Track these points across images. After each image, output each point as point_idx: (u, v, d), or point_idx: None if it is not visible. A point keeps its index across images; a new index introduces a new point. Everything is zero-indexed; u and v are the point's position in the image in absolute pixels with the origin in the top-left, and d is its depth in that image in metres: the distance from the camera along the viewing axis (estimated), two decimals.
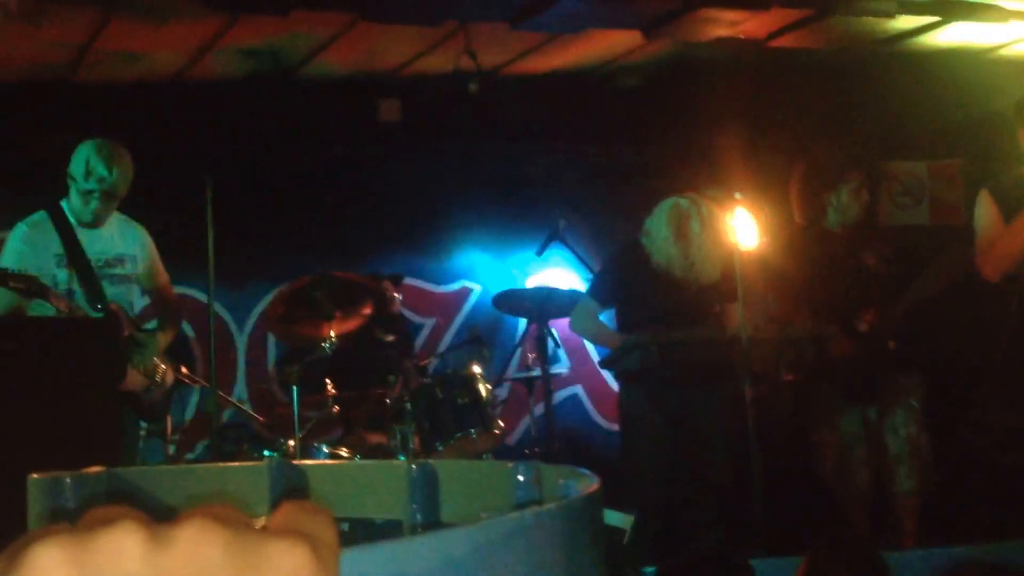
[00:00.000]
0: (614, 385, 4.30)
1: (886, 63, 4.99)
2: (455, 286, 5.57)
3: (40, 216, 3.63)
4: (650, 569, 3.13)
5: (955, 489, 4.08)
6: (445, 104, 5.08)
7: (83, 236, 3.62)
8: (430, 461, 0.71)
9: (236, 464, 0.78)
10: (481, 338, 4.49)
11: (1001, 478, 3.74)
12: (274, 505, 0.70)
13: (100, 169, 3.56)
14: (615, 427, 4.42)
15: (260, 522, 0.41)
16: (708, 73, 5.14)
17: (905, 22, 4.41)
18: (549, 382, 4.22)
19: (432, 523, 0.69)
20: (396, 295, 4.51)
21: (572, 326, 4.21)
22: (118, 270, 3.72)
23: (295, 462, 0.74)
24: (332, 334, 3.91)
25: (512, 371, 4.94)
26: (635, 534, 2.72)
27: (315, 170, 5.24)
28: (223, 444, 4.20)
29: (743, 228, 3.74)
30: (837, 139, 4.92)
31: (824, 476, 4.06)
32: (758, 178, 4.45)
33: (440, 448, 3.88)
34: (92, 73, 4.61)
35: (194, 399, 4.92)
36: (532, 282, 5.37)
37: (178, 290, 4.12)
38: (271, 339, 5.15)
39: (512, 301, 4.43)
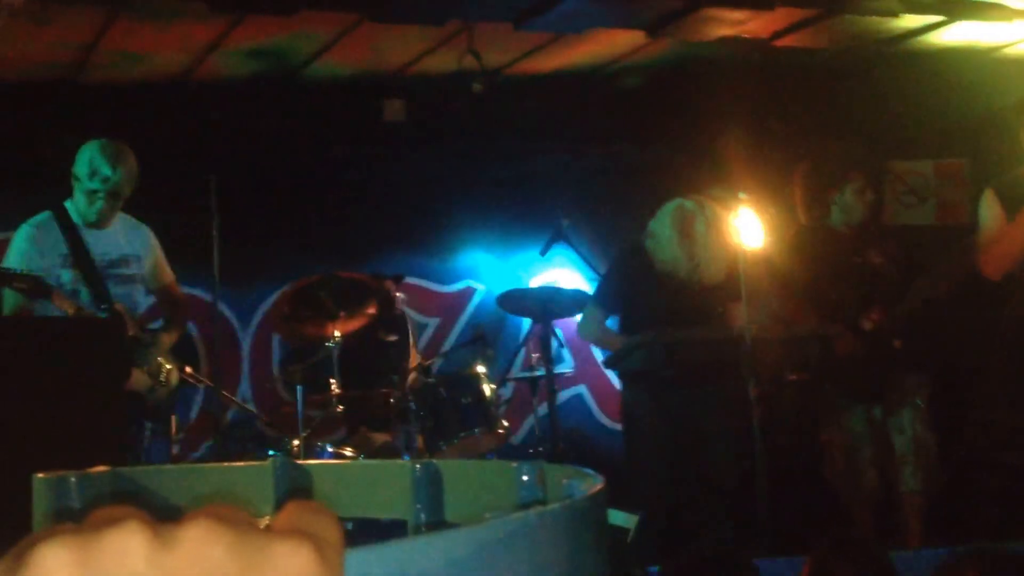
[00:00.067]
0: (618, 385, 4.30)
1: (891, 62, 4.98)
2: (459, 286, 5.58)
3: (45, 216, 3.63)
4: (654, 569, 3.13)
5: (961, 489, 4.07)
6: (449, 104, 5.08)
7: (88, 236, 3.63)
8: (434, 461, 0.71)
9: (240, 464, 0.78)
10: (485, 338, 4.49)
11: (1006, 477, 3.73)
12: (278, 505, 0.70)
13: (104, 169, 3.56)
14: (619, 427, 4.41)
15: (264, 522, 0.41)
16: (712, 73, 5.13)
17: (909, 21, 4.40)
18: (553, 382, 4.22)
19: (436, 523, 0.69)
20: (398, 295, 4.51)
21: (580, 334, 4.23)
22: (123, 270, 3.72)
23: (299, 462, 0.74)
24: (336, 334, 3.92)
25: (516, 371, 4.94)
26: (639, 534, 2.72)
27: (319, 170, 5.24)
28: (227, 444, 4.20)
29: (747, 228, 3.73)
30: (841, 139, 4.91)
31: (831, 476, 4.05)
32: (762, 178, 4.45)
33: (444, 447, 3.88)
34: (97, 73, 4.62)
35: (198, 399, 4.92)
36: (536, 282, 5.37)
37: (183, 290, 4.13)
38: (276, 339, 5.16)
39: (516, 301, 4.43)
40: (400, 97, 5.17)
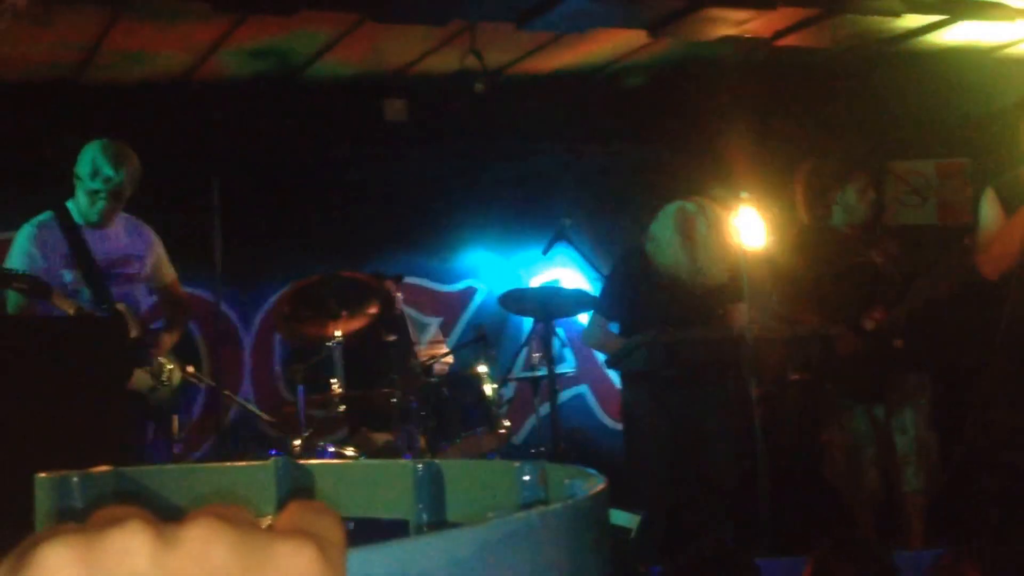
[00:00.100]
0: (620, 384, 4.30)
1: (892, 62, 4.98)
2: (460, 285, 5.58)
3: (46, 216, 3.64)
4: (656, 568, 3.13)
5: (962, 489, 4.07)
6: (451, 104, 5.08)
7: (89, 236, 3.63)
8: (436, 460, 0.71)
9: (242, 463, 0.78)
10: (487, 337, 4.49)
11: (1006, 477, 3.73)
12: (280, 505, 0.70)
13: (107, 169, 3.57)
14: (620, 427, 4.41)
15: (266, 521, 0.41)
16: (714, 73, 5.13)
17: (911, 21, 4.40)
18: (555, 381, 4.22)
19: (438, 523, 0.69)
20: (398, 295, 4.51)
21: (584, 342, 4.23)
22: (125, 270, 3.73)
23: (301, 461, 0.74)
24: (338, 333, 3.92)
25: (518, 370, 4.94)
26: (640, 534, 2.72)
27: (321, 170, 5.24)
28: (229, 443, 4.21)
29: (749, 228, 3.73)
30: (843, 138, 4.91)
31: (832, 476, 4.05)
32: (764, 177, 4.45)
33: (446, 447, 3.88)
34: (99, 73, 4.62)
35: (200, 398, 4.93)
36: (537, 281, 5.37)
37: (185, 290, 4.13)
38: (277, 338, 5.16)
39: (518, 301, 4.42)
40: (402, 97, 5.17)
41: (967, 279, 3.74)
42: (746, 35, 4.38)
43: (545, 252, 4.88)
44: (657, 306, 3.89)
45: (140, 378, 3.67)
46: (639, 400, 3.95)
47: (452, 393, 3.95)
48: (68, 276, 3.59)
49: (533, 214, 5.37)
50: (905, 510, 3.95)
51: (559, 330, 4.45)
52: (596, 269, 4.78)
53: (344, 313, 3.95)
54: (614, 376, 4.95)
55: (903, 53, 4.86)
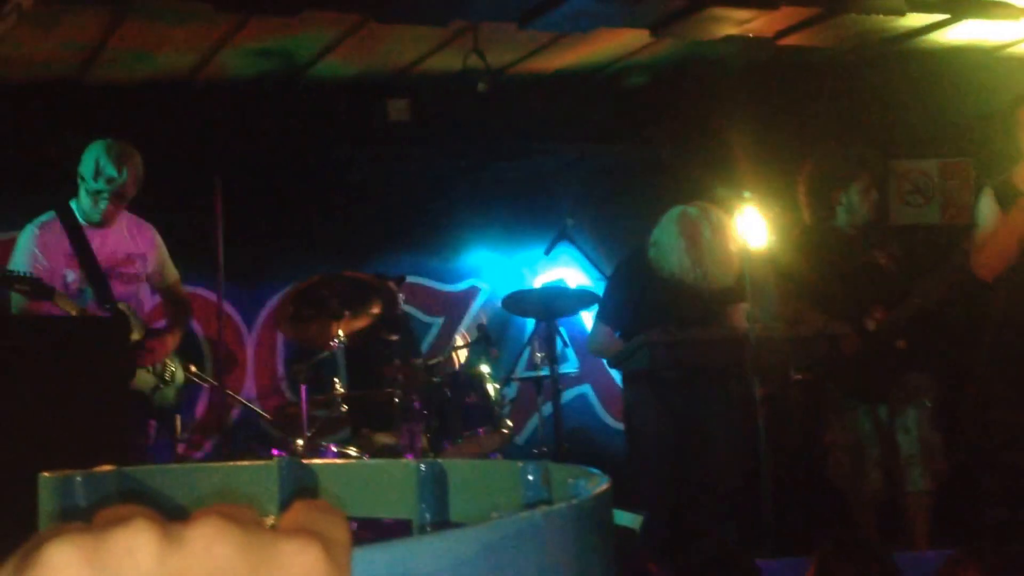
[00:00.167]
0: (621, 385, 4.29)
1: (896, 61, 4.97)
2: (463, 285, 5.58)
3: (49, 216, 3.64)
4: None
5: (964, 489, 4.06)
6: (454, 103, 5.08)
7: (92, 236, 3.64)
8: (439, 460, 0.71)
9: (246, 463, 0.78)
10: (489, 337, 4.49)
11: (1007, 477, 3.73)
12: (283, 504, 0.70)
13: (109, 169, 3.57)
14: (623, 427, 4.41)
15: (269, 521, 0.41)
16: (716, 72, 5.13)
17: (915, 20, 4.39)
18: (557, 381, 4.22)
19: (441, 522, 0.69)
20: (400, 295, 4.51)
21: (589, 350, 4.24)
22: (127, 269, 3.73)
23: (304, 461, 0.74)
24: (341, 333, 3.92)
25: (520, 370, 4.94)
26: (643, 534, 2.72)
27: (323, 169, 5.25)
28: (232, 443, 4.21)
29: (752, 227, 3.73)
30: (846, 138, 4.91)
31: (835, 477, 4.04)
32: (767, 177, 4.44)
33: (448, 447, 3.88)
34: (103, 73, 4.63)
35: (203, 398, 4.93)
36: (540, 281, 5.37)
37: (188, 289, 4.14)
38: (280, 338, 5.16)
39: (521, 302, 4.42)
40: (404, 97, 5.17)
41: (965, 280, 3.74)
42: (749, 35, 4.38)
43: (547, 252, 4.88)
44: (660, 310, 3.89)
45: (143, 378, 3.67)
46: (641, 400, 3.95)
47: (455, 393, 3.95)
48: (71, 276, 3.59)
49: (536, 214, 5.37)
50: (909, 511, 3.94)
51: (562, 330, 4.45)
52: (598, 269, 4.78)
53: (347, 313, 3.95)
54: (617, 376, 4.95)
55: (906, 52, 4.85)
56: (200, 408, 4.95)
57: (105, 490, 0.69)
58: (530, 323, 4.90)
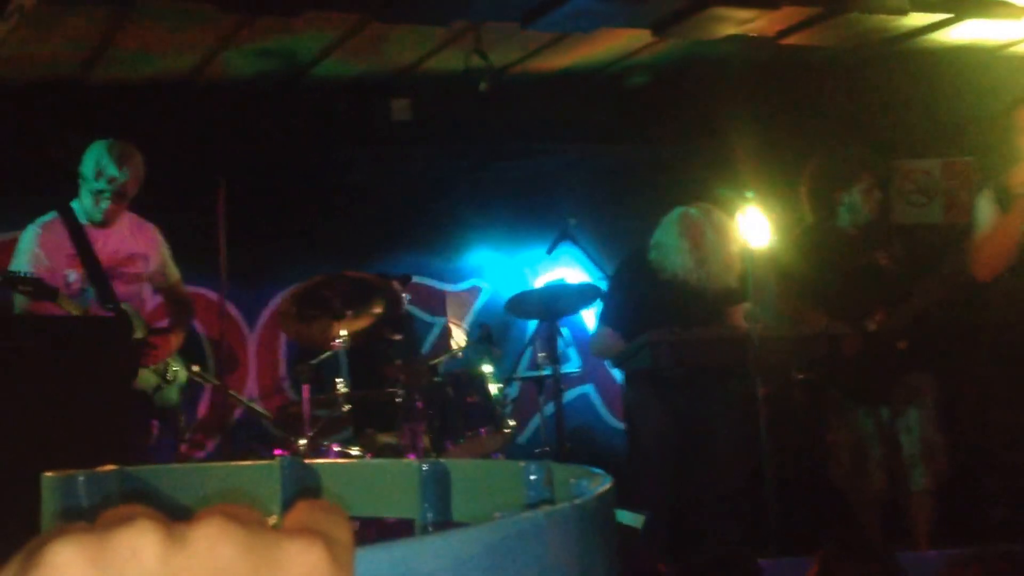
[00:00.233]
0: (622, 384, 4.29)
1: (898, 60, 4.97)
2: (465, 285, 5.58)
3: (51, 216, 3.65)
4: None
5: (966, 489, 4.06)
6: (456, 103, 5.08)
7: (94, 236, 3.64)
8: (441, 460, 0.71)
9: (248, 463, 0.78)
10: (491, 337, 4.48)
11: (1007, 477, 3.73)
12: (286, 504, 0.70)
13: (111, 169, 3.58)
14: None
15: (272, 520, 0.41)
16: (718, 71, 5.12)
17: (917, 19, 4.39)
18: (559, 381, 4.22)
19: (443, 522, 0.69)
20: (405, 295, 4.51)
21: (593, 353, 4.24)
22: (129, 269, 3.74)
23: (306, 461, 0.74)
24: (343, 333, 3.92)
25: (522, 370, 4.93)
26: (645, 534, 2.72)
27: (326, 169, 5.25)
28: (234, 443, 4.21)
29: (754, 227, 3.73)
30: (848, 137, 4.90)
31: (837, 477, 4.04)
32: (769, 177, 4.44)
33: (450, 447, 3.88)
34: (105, 74, 4.63)
35: (205, 398, 4.93)
36: (542, 281, 5.37)
37: (189, 289, 4.14)
38: (282, 338, 5.16)
39: (524, 304, 4.41)
40: (406, 97, 5.17)
41: (964, 282, 3.73)
42: (751, 34, 4.38)
43: (549, 251, 4.88)
44: (662, 311, 3.88)
45: (145, 377, 3.67)
46: (643, 400, 3.95)
47: (457, 393, 3.95)
48: (72, 276, 3.60)
49: (537, 213, 5.36)
50: (911, 511, 3.94)
51: (564, 329, 4.45)
52: (600, 268, 4.78)
53: (349, 313, 3.95)
54: (619, 376, 4.95)
55: (908, 51, 4.85)
56: (202, 408, 4.95)
57: (108, 490, 0.69)
58: (532, 323, 4.90)
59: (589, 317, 5.16)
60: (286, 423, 4.29)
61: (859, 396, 4.00)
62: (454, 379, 4.05)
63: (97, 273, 3.60)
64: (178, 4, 3.86)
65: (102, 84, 4.72)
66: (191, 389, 4.05)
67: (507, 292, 5.22)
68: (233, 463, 0.79)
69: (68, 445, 2.58)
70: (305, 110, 5.08)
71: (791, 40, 4.49)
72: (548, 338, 4.24)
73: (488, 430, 3.94)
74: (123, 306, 3.59)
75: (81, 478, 0.69)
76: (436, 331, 5.46)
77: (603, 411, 5.60)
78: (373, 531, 0.71)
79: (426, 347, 5.32)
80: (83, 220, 3.64)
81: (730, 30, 4.29)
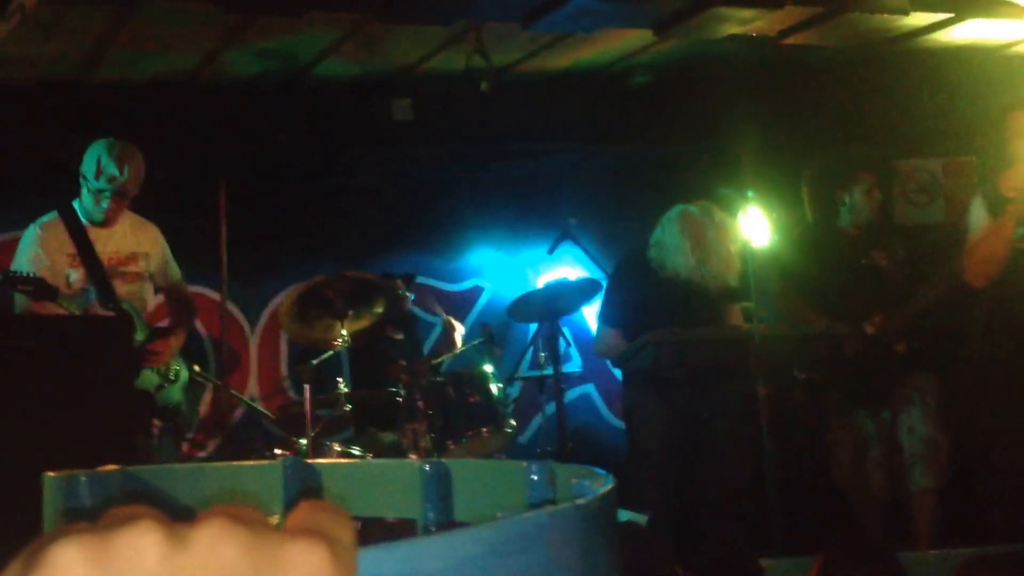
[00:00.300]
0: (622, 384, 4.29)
1: (899, 60, 4.96)
2: (467, 285, 5.58)
3: (51, 216, 3.65)
4: None
5: (969, 489, 4.05)
6: (457, 103, 5.08)
7: (95, 235, 3.64)
8: (443, 460, 0.71)
9: (250, 463, 0.78)
10: (493, 336, 4.49)
11: (1003, 479, 3.73)
12: (288, 504, 0.70)
13: (111, 168, 3.58)
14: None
15: (273, 520, 0.41)
16: (720, 71, 5.12)
17: (918, 19, 4.38)
18: (561, 380, 4.22)
19: (446, 522, 0.69)
20: (408, 294, 4.51)
21: (595, 354, 4.24)
22: (130, 268, 3.74)
23: (308, 461, 0.74)
24: (345, 333, 3.92)
25: (524, 369, 4.93)
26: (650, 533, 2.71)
27: (327, 169, 5.25)
28: (235, 443, 4.21)
29: (755, 227, 3.73)
30: (850, 137, 4.90)
31: (837, 477, 4.04)
32: (770, 176, 4.44)
33: (451, 446, 3.88)
34: (106, 74, 4.63)
35: (206, 397, 4.94)
36: (543, 281, 5.38)
37: (191, 289, 4.14)
38: (284, 338, 5.17)
39: (526, 307, 4.41)
40: (408, 96, 5.17)
41: (958, 286, 3.73)
42: (752, 34, 4.37)
43: (550, 251, 4.88)
44: (662, 309, 3.88)
45: (147, 377, 3.68)
46: (644, 400, 3.95)
47: (458, 392, 3.95)
48: (73, 276, 3.60)
49: (539, 213, 5.36)
50: (912, 510, 3.94)
51: (565, 329, 4.45)
52: (601, 268, 4.78)
53: (350, 313, 3.95)
54: (620, 375, 4.95)
55: (910, 51, 4.84)
56: (203, 408, 4.95)
57: (110, 490, 0.69)
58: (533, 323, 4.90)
59: (590, 315, 5.16)
60: (287, 423, 4.29)
61: (858, 398, 4.00)
62: (455, 379, 4.05)
63: (98, 273, 3.60)
64: (179, 4, 3.86)
65: (104, 84, 4.72)
66: (193, 389, 4.05)
67: (508, 292, 5.23)
68: (235, 463, 0.79)
69: (69, 445, 2.58)
70: (306, 110, 5.08)
71: (792, 40, 4.49)
72: (549, 338, 4.24)
73: (489, 430, 3.94)
74: (124, 306, 3.59)
75: (83, 478, 0.69)
76: (437, 331, 5.47)
77: (604, 411, 5.60)
78: (375, 532, 0.71)
79: (427, 347, 5.32)
80: (84, 220, 3.64)
81: (731, 30, 4.29)
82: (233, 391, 4.41)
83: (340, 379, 4.02)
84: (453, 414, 3.92)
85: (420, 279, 5.24)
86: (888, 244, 4.13)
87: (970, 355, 3.68)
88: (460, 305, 5.54)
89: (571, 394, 5.33)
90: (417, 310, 5.17)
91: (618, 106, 5.39)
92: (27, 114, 4.65)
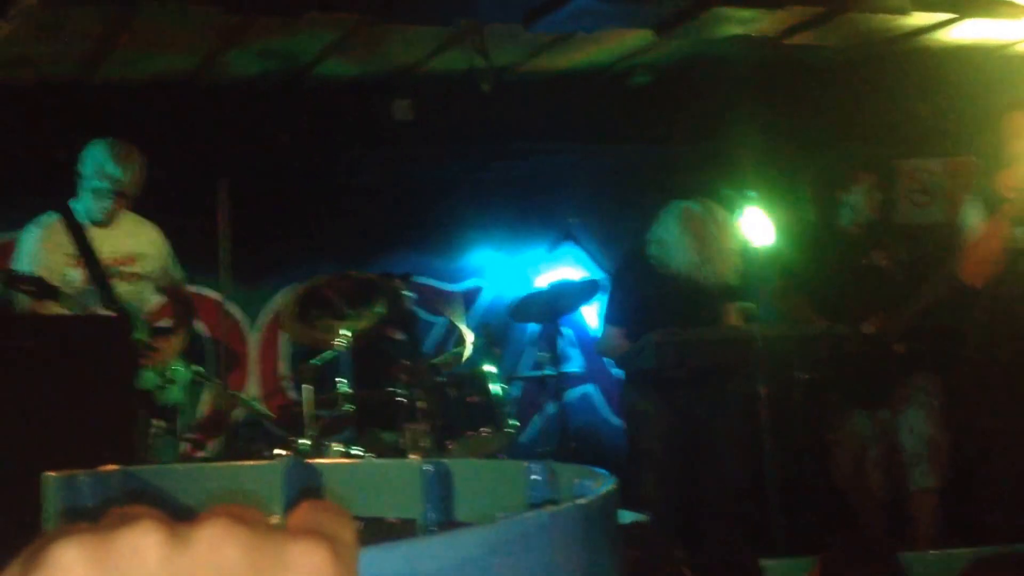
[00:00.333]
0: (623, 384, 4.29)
1: (900, 60, 4.96)
2: (466, 285, 5.58)
3: (51, 216, 3.65)
4: None
5: (970, 490, 4.05)
6: (458, 103, 5.08)
7: (95, 236, 3.64)
8: (444, 460, 0.71)
9: (251, 463, 0.78)
10: (493, 337, 4.48)
11: (1000, 482, 3.73)
12: (288, 504, 0.70)
13: (110, 168, 3.57)
14: None
15: (274, 520, 0.41)
16: (721, 72, 5.12)
17: (919, 19, 4.38)
18: (561, 380, 4.22)
19: (446, 522, 0.69)
20: (410, 293, 4.50)
21: (599, 353, 4.24)
22: (130, 268, 3.73)
23: (308, 461, 0.74)
24: (345, 333, 3.92)
25: (524, 369, 4.93)
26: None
27: (327, 169, 5.25)
28: (236, 443, 4.21)
29: (756, 227, 3.73)
30: (851, 137, 4.90)
31: (837, 477, 4.04)
32: (771, 177, 4.44)
33: (452, 447, 3.88)
34: (106, 74, 4.63)
35: (206, 397, 4.93)
36: (543, 281, 5.38)
37: (192, 289, 4.14)
38: (284, 338, 5.16)
39: (527, 308, 4.41)
40: (408, 97, 5.17)
41: (955, 286, 3.73)
42: (753, 34, 4.37)
43: (551, 251, 4.88)
44: (665, 307, 3.88)
45: (147, 377, 3.67)
46: (645, 400, 3.95)
47: (459, 392, 3.95)
48: (74, 275, 3.60)
49: (539, 213, 5.36)
50: (913, 510, 3.94)
51: (565, 329, 4.45)
52: (602, 268, 4.78)
53: (351, 313, 3.95)
54: (622, 375, 4.95)
55: (911, 51, 4.84)
56: (203, 408, 4.95)
57: (110, 490, 0.69)
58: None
59: (591, 315, 5.16)
60: (288, 423, 4.29)
61: (858, 398, 4.00)
62: (456, 379, 4.04)
63: (98, 273, 3.60)
64: (180, 4, 3.86)
65: (103, 84, 4.72)
66: (193, 389, 4.04)
67: (509, 292, 5.23)
68: (235, 463, 0.79)
69: (69, 445, 2.58)
70: (307, 110, 5.08)
71: (793, 40, 4.49)
72: (550, 338, 4.25)
73: (490, 430, 3.94)
74: (124, 306, 3.59)
75: (83, 478, 0.68)
76: (438, 331, 5.46)
77: (605, 410, 5.59)
78: (376, 532, 0.71)
79: (427, 347, 5.32)
80: (84, 220, 3.64)
81: (732, 31, 4.29)
82: (233, 391, 4.40)
83: (340, 379, 4.02)
84: (453, 414, 3.92)
85: (420, 279, 5.23)
86: (888, 244, 4.13)
87: (969, 355, 3.68)
88: (460, 305, 5.54)
89: (572, 394, 5.33)
90: (419, 310, 5.17)
91: (619, 106, 5.38)
92: (27, 114, 4.65)
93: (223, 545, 0.32)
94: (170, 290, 3.94)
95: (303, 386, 3.91)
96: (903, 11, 4.18)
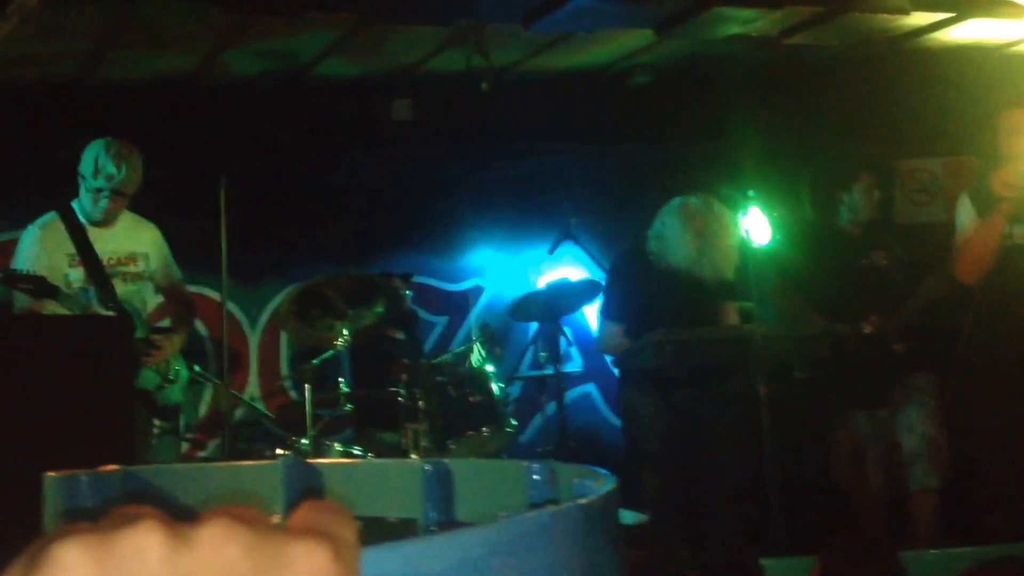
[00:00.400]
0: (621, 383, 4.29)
1: (900, 60, 4.96)
2: (467, 285, 5.58)
3: (51, 216, 3.65)
4: None
5: (970, 490, 4.05)
6: (457, 103, 5.08)
7: (94, 235, 3.64)
8: (444, 459, 0.71)
9: (251, 463, 0.78)
10: (493, 336, 4.48)
11: (996, 482, 3.73)
12: (289, 504, 0.70)
13: (109, 167, 3.58)
14: None
15: (274, 520, 0.41)
16: (721, 71, 5.12)
17: (919, 19, 4.38)
18: (561, 380, 4.22)
19: (447, 522, 0.69)
20: (407, 291, 4.51)
21: (599, 350, 4.24)
22: (130, 268, 3.74)
23: (309, 461, 0.74)
24: (345, 332, 3.92)
25: (524, 369, 4.93)
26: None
27: (327, 169, 5.25)
28: (236, 442, 4.21)
29: (756, 226, 3.73)
30: (851, 137, 4.90)
31: (837, 477, 4.04)
32: (771, 176, 4.44)
33: (452, 446, 3.88)
34: (106, 74, 4.63)
35: (207, 397, 4.94)
36: (544, 281, 5.38)
37: (192, 289, 4.14)
38: (284, 338, 5.17)
39: (527, 307, 4.41)
40: (408, 96, 5.17)
41: (950, 286, 3.74)
42: (753, 34, 4.37)
43: (551, 251, 4.88)
44: (664, 304, 3.88)
45: (147, 377, 3.68)
46: (643, 399, 3.94)
47: (459, 392, 3.95)
48: (73, 275, 3.60)
49: (539, 213, 5.37)
50: (912, 509, 3.94)
51: (566, 328, 4.45)
52: (602, 268, 4.78)
53: (351, 312, 3.95)
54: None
55: (911, 51, 4.84)
56: (203, 407, 4.95)
57: (111, 490, 0.69)
58: (534, 322, 4.89)
59: (591, 315, 5.16)
60: (288, 423, 4.29)
61: (857, 398, 4.00)
62: (456, 378, 4.05)
63: (98, 273, 3.60)
64: (180, 4, 3.86)
65: (103, 84, 4.72)
66: (192, 388, 4.05)
67: (509, 292, 5.23)
68: (235, 463, 0.79)
69: (69, 445, 2.58)
70: (307, 110, 5.08)
71: (793, 40, 4.49)
72: (550, 337, 4.25)
73: (490, 430, 3.94)
74: (124, 306, 3.59)
75: (84, 478, 0.68)
76: (438, 331, 5.47)
77: (605, 410, 5.60)
78: (382, 530, 0.71)
79: (428, 347, 5.32)
80: (83, 220, 3.64)
81: (732, 30, 4.29)
82: (233, 391, 4.41)
83: (341, 379, 4.02)
84: (453, 414, 3.92)
85: (420, 279, 5.24)
86: (888, 244, 4.13)
87: (964, 353, 3.68)
88: (460, 305, 5.54)
89: (572, 394, 5.33)
90: (419, 310, 5.17)
91: (618, 106, 5.39)
92: (27, 114, 4.65)
93: (224, 545, 0.32)
94: (170, 290, 3.95)
95: (303, 386, 3.91)
96: (903, 11, 4.18)
